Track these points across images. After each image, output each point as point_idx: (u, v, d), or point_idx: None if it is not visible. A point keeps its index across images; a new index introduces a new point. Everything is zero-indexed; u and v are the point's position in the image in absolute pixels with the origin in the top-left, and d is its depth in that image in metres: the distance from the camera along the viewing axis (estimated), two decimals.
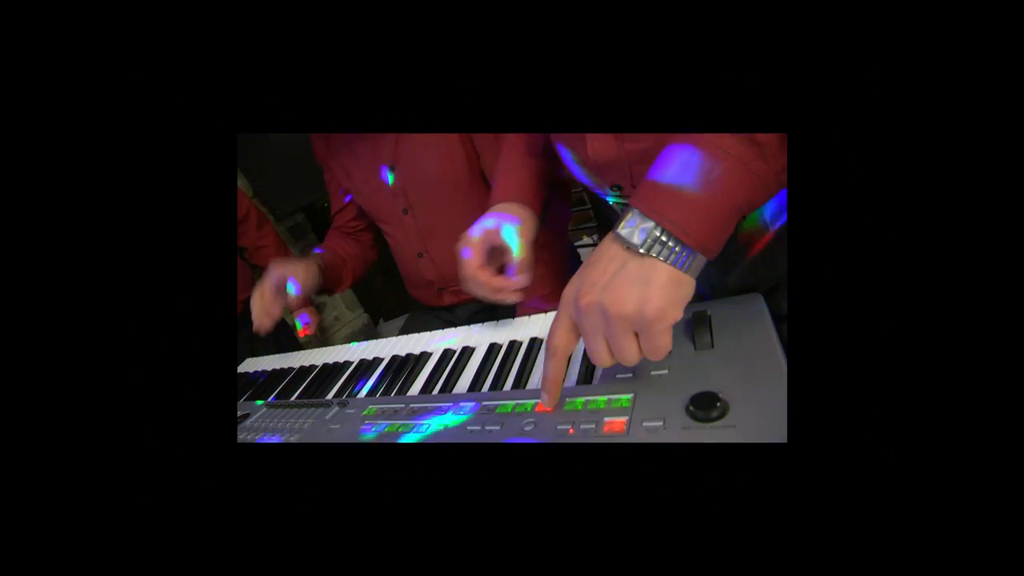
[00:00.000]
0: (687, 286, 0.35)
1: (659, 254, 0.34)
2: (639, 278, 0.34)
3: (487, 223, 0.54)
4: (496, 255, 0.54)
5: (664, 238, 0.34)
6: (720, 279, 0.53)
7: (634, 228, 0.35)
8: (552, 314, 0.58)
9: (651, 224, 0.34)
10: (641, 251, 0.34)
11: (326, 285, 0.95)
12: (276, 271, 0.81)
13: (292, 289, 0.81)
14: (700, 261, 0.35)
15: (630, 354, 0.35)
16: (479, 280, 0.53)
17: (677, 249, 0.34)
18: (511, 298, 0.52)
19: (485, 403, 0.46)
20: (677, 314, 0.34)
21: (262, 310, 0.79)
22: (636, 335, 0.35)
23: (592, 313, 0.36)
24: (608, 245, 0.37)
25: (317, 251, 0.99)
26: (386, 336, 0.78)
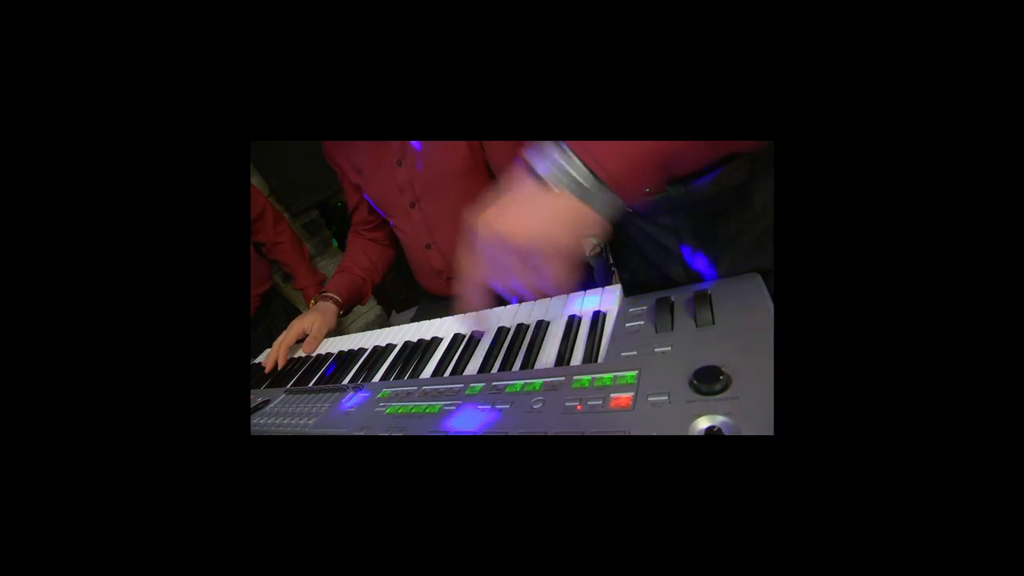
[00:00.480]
0: (586, 219, 0.34)
1: (560, 183, 0.33)
2: (534, 206, 0.34)
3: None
4: None
5: (571, 170, 0.33)
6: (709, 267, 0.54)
7: (543, 158, 0.34)
8: (554, 300, 0.60)
9: (563, 154, 0.33)
10: (546, 180, 0.34)
11: (349, 308, 1.06)
12: (297, 326, 0.90)
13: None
14: (609, 198, 0.34)
15: (524, 280, 0.36)
16: None
17: (582, 181, 0.33)
18: None
19: (495, 383, 0.48)
20: (569, 244, 0.34)
21: (276, 354, 0.88)
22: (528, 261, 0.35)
23: (489, 238, 0.36)
24: (518, 173, 0.37)
25: (341, 270, 1.08)
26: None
